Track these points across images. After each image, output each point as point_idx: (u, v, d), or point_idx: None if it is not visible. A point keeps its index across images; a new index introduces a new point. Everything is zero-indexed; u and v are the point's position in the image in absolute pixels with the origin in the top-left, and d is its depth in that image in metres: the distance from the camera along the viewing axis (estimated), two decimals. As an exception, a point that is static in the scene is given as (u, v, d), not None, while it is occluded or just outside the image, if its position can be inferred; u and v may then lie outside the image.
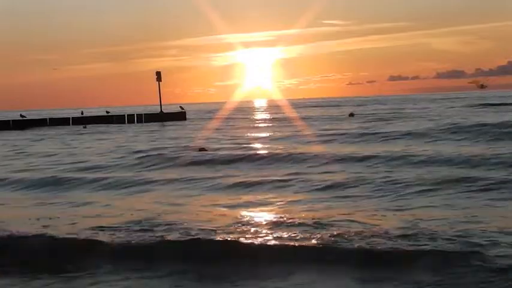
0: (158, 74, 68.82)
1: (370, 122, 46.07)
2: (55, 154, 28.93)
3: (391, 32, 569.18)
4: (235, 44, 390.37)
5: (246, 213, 12.54)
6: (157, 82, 68.83)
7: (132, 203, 14.50)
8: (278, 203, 13.77)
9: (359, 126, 39.35)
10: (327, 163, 20.31)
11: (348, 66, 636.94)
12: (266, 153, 23.57)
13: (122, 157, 25.11)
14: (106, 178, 18.86)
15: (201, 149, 25.19)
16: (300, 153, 22.72)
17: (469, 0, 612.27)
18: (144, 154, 24.87)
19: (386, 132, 31.35)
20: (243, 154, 23.54)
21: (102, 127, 58.94)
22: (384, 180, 15.98)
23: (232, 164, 21.36)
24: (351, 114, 61.49)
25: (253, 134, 38.70)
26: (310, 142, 29.00)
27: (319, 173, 18.07)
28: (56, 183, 18.49)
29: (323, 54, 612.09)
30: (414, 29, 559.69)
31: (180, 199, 14.78)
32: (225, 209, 13.21)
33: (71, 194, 16.70)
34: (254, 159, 22.36)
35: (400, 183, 15.47)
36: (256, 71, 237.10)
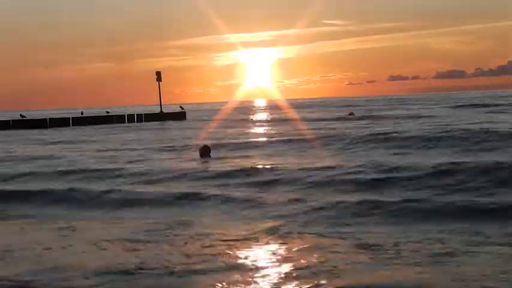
0: (158, 74, 68.86)
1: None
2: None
3: (391, 32, 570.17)
4: (236, 44, 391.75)
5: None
6: (157, 82, 68.99)
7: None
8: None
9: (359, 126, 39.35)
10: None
11: (348, 66, 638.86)
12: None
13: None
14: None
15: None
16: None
17: (469, 0, 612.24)
18: None
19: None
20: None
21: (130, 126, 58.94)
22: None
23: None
24: (351, 114, 61.87)
25: (253, 136, 38.64)
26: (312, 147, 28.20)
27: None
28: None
29: (323, 54, 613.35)
30: (414, 29, 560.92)
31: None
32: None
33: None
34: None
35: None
36: (256, 71, 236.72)
